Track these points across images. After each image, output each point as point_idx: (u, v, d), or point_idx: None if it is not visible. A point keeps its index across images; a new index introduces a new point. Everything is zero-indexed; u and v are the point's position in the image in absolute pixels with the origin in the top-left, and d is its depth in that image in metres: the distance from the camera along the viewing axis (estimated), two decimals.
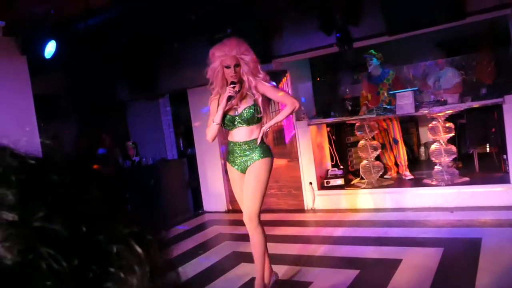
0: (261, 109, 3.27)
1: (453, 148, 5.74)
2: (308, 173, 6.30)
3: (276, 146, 6.53)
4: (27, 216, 0.29)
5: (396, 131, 6.38)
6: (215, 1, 4.77)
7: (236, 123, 3.28)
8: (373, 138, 6.25)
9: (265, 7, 5.18)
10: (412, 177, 6.28)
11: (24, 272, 0.27)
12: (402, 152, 6.38)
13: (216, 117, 3.24)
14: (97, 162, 6.63)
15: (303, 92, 6.70)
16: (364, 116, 6.10)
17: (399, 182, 6.21)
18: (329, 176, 6.39)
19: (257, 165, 3.27)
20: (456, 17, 4.79)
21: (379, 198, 5.84)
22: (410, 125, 7.62)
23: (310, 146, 6.27)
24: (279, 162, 6.52)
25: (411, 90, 5.79)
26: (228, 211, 6.91)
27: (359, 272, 3.73)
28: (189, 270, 4.25)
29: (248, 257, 4.50)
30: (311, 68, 7.03)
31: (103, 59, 5.64)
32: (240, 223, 6.12)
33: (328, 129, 6.70)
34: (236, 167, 3.37)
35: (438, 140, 5.74)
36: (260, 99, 3.25)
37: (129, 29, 5.07)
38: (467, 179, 5.63)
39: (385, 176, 6.42)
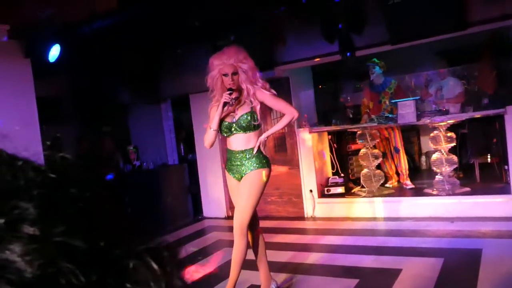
0: (258, 116, 3.27)
1: (454, 157, 5.73)
2: (308, 181, 6.29)
3: (277, 153, 6.53)
4: (48, 230, 0.29)
5: (397, 140, 6.38)
6: (218, 8, 4.79)
7: (233, 130, 3.28)
8: (374, 147, 6.25)
9: (268, 15, 5.21)
10: (412, 186, 6.26)
11: (44, 286, 0.28)
12: (403, 161, 6.37)
13: (213, 123, 3.25)
14: (98, 166, 6.63)
15: (304, 99, 6.71)
16: (365, 125, 6.11)
17: (400, 191, 6.20)
18: (329, 184, 6.38)
19: (252, 176, 3.26)
20: (458, 27, 4.81)
21: (379, 207, 5.83)
22: (411, 134, 7.62)
23: (311, 154, 6.27)
24: (280, 169, 6.52)
25: (413, 99, 5.80)
26: (227, 217, 6.89)
27: (359, 281, 3.71)
28: (188, 276, 4.22)
29: (247, 264, 4.49)
30: (313, 76, 7.05)
31: (106, 63, 5.67)
32: None
33: (330, 137, 6.70)
34: (233, 175, 3.37)
35: (439, 150, 5.74)
36: (258, 107, 3.25)
37: (133, 33, 5.09)
38: (468, 189, 5.62)
39: (386, 185, 6.41)
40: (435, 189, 5.71)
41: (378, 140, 6.26)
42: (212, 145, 3.37)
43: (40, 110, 5.04)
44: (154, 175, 6.90)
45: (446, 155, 5.69)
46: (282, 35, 5.77)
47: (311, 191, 6.24)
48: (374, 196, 5.98)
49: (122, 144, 7.46)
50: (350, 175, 6.80)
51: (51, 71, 5.43)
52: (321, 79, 7.43)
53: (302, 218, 6.27)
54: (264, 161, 3.32)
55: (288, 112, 3.35)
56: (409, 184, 6.31)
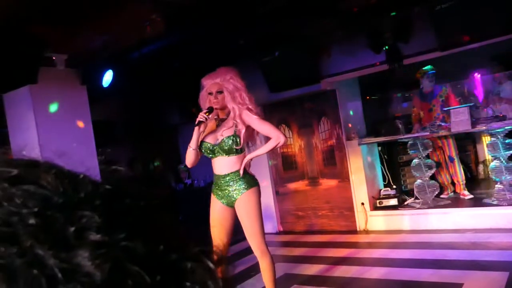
0: (242, 140, 3.19)
1: None
2: (359, 194, 6.17)
3: (327, 166, 6.47)
4: (112, 236, 0.32)
5: (451, 149, 6.16)
6: (263, 25, 4.86)
7: (216, 152, 3.22)
8: (427, 157, 6.05)
9: (312, 28, 5.22)
10: (471, 196, 6.00)
11: (113, 287, 0.30)
12: (459, 171, 6.14)
13: (192, 142, 3.20)
14: (150, 186, 6.82)
15: (352, 111, 6.63)
16: (416, 134, 5.94)
17: (457, 202, 5.95)
18: (381, 196, 6.23)
19: (245, 199, 3.20)
20: (510, 29, 4.61)
21: (435, 219, 5.61)
22: (466, 142, 7.33)
23: (361, 166, 6.16)
24: (329, 182, 6.45)
25: (467, 106, 5.59)
26: (279, 232, 6.87)
27: None
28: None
29: (300, 279, 4.45)
30: (361, 87, 6.96)
31: (156, 86, 5.88)
32: (292, 244, 6.11)
33: (380, 148, 6.56)
34: (221, 200, 3.28)
35: (498, 157, 5.48)
36: (243, 131, 3.19)
37: (180, 56, 5.26)
38: None
39: (441, 196, 6.18)
40: (495, 199, 5.44)
41: (431, 150, 6.06)
42: (193, 164, 3.29)
43: (96, 132, 5.29)
44: (205, 193, 7.00)
45: (505, 163, 5.42)
46: (327, 48, 5.76)
47: (362, 204, 6.12)
48: (429, 207, 5.77)
49: (173, 164, 7.65)
50: (403, 187, 6.61)
51: (105, 95, 5.69)
52: (369, 90, 7.32)
53: (354, 231, 6.14)
54: (251, 180, 3.28)
55: (274, 136, 3.26)
56: (467, 194, 6.05)
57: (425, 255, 4.61)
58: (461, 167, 6.20)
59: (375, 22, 5.13)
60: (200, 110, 3.24)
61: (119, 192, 0.37)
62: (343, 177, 6.31)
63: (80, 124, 5.08)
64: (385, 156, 6.57)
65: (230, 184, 3.22)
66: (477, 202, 5.74)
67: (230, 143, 3.17)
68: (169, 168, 7.57)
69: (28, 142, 4.54)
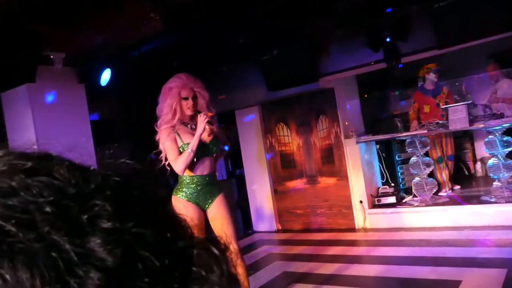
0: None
1: None
2: (358, 192, 6.19)
3: (325, 165, 6.48)
4: (123, 224, 0.34)
5: (453, 147, 6.31)
6: (261, 24, 4.87)
7: (203, 153, 3.22)
8: (426, 154, 6.07)
9: (311, 27, 5.23)
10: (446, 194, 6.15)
11: (125, 271, 0.32)
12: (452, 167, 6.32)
13: (193, 145, 3.10)
14: (150, 185, 6.81)
15: (351, 109, 6.65)
16: (415, 132, 5.95)
17: (455, 200, 5.97)
18: (380, 194, 6.24)
19: (221, 200, 3.26)
20: (509, 27, 4.62)
21: (434, 216, 5.63)
22: (464, 140, 7.35)
23: (359, 164, 6.17)
24: (328, 181, 6.46)
25: (465, 104, 5.60)
26: (278, 231, 6.88)
27: None
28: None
29: (299, 277, 4.46)
30: (359, 85, 6.97)
31: (155, 84, 5.86)
32: (290, 242, 6.12)
33: (378, 146, 6.58)
34: (192, 201, 3.21)
35: (495, 155, 5.50)
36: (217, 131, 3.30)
37: (179, 54, 5.26)
38: None
39: (439, 194, 6.20)
40: (493, 196, 5.45)
41: (428, 148, 6.08)
42: (185, 169, 3.17)
43: (94, 132, 5.28)
44: None
45: (503, 160, 5.44)
46: (326, 46, 5.77)
47: (361, 202, 6.13)
48: (427, 205, 5.79)
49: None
50: (401, 184, 6.63)
51: (103, 94, 5.68)
52: (367, 88, 7.33)
53: (353, 229, 6.16)
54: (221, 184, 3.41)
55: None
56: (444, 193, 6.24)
57: (424, 253, 4.63)
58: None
59: (373, 20, 5.14)
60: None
61: (128, 184, 0.39)
62: (342, 175, 6.32)
63: (79, 123, 5.07)
64: (383, 154, 6.58)
65: (206, 185, 3.22)
66: (475, 199, 5.75)
67: (217, 143, 3.27)
68: (167, 166, 7.56)
69: (26, 141, 4.53)
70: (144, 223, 0.35)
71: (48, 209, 0.32)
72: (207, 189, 3.23)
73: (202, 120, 3.10)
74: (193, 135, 3.16)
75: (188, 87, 3.18)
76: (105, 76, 5.13)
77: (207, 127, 3.11)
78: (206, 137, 3.20)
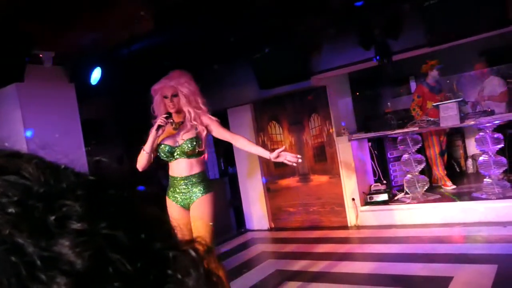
0: (203, 142, 3.22)
1: (503, 159, 5.51)
2: (350, 189, 6.20)
3: (317, 162, 6.49)
4: (93, 225, 0.32)
5: (445, 143, 6.46)
6: (253, 22, 4.85)
7: (175, 154, 3.20)
8: (417, 152, 6.10)
9: (302, 25, 5.22)
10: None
11: (94, 275, 0.31)
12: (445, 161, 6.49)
13: (147, 146, 3.17)
14: (140, 183, 6.79)
15: (343, 107, 6.66)
16: (406, 130, 5.98)
17: (446, 197, 6.00)
18: (372, 191, 6.26)
19: (202, 202, 3.18)
20: (499, 24, 4.65)
21: (425, 213, 5.66)
22: (455, 137, 7.39)
23: (351, 162, 6.19)
24: (320, 178, 6.47)
25: (456, 101, 5.63)
26: (270, 229, 6.89)
27: None
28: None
29: (291, 276, 4.46)
30: (351, 83, 6.99)
31: (146, 83, 5.82)
32: (283, 240, 6.12)
33: (370, 144, 6.60)
34: (179, 203, 3.24)
35: (486, 152, 5.53)
36: (204, 133, 3.21)
37: (170, 53, 5.23)
38: None
39: (447, 188, 6.34)
40: (484, 193, 5.50)
41: (420, 145, 6.11)
42: (144, 168, 3.22)
43: (84, 131, 5.24)
44: None
45: (494, 157, 5.48)
46: (317, 44, 5.77)
47: (353, 199, 6.15)
48: (419, 202, 5.82)
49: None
50: (393, 182, 6.66)
51: (94, 93, 5.63)
52: (359, 86, 7.35)
53: (345, 227, 6.17)
54: (210, 185, 3.27)
55: (239, 136, 3.31)
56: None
57: (416, 249, 4.65)
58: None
59: (365, 18, 5.15)
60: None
61: (103, 183, 0.38)
62: (334, 173, 6.33)
63: (68, 123, 5.03)
64: (375, 152, 6.61)
65: (189, 186, 3.20)
66: (466, 196, 5.80)
67: (193, 144, 3.17)
68: (158, 166, 7.53)
69: (16, 142, 4.48)
70: (117, 224, 0.34)
71: (11, 209, 0.30)
72: (185, 190, 3.21)
73: (156, 122, 3.15)
74: (172, 134, 3.23)
75: (168, 86, 3.21)
76: (95, 75, 5.09)
77: (153, 131, 3.15)
78: (173, 140, 3.21)
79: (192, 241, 0.40)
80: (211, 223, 3.16)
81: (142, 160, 3.21)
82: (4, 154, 0.36)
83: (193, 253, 0.38)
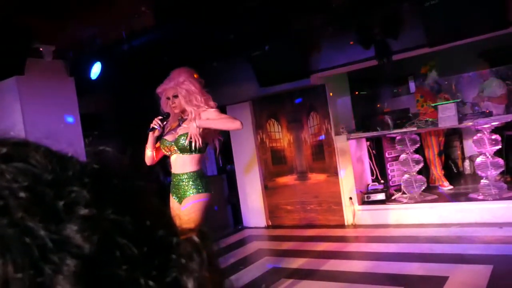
0: (198, 139, 3.15)
1: (500, 161, 5.53)
2: (348, 188, 6.22)
3: (315, 161, 6.50)
4: (100, 211, 0.34)
5: (443, 143, 6.51)
6: (253, 20, 4.85)
7: (172, 150, 3.23)
8: (416, 152, 6.11)
9: (302, 23, 5.22)
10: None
11: (102, 258, 0.32)
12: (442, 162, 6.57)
13: (148, 145, 3.28)
14: (139, 179, 6.78)
15: (341, 106, 6.67)
16: (404, 130, 6.00)
17: (444, 197, 6.03)
18: (369, 191, 6.28)
19: (189, 201, 3.17)
20: (498, 26, 4.66)
21: (422, 213, 5.68)
22: (453, 138, 7.41)
23: (349, 161, 6.20)
24: (318, 177, 6.48)
25: (454, 102, 5.65)
26: (268, 227, 6.90)
27: None
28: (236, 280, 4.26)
29: (288, 273, 4.48)
30: (350, 82, 6.99)
31: (146, 78, 5.83)
32: (280, 238, 6.14)
33: (368, 143, 6.61)
34: (176, 198, 3.26)
35: (483, 153, 5.55)
36: (199, 130, 3.15)
37: (170, 48, 5.23)
38: None
39: (444, 188, 6.38)
40: (481, 194, 5.52)
41: (418, 145, 6.13)
42: (152, 163, 3.34)
43: (84, 126, 5.24)
44: None
45: (491, 158, 5.50)
46: (317, 43, 5.77)
47: (350, 198, 6.17)
48: (416, 202, 5.84)
49: (162, 157, 7.61)
50: (391, 181, 6.68)
51: (93, 88, 5.63)
52: (358, 85, 7.36)
53: (342, 226, 6.19)
54: (204, 185, 3.21)
55: (235, 123, 3.20)
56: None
57: (412, 249, 4.67)
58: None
59: (365, 17, 5.15)
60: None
61: (107, 172, 0.39)
62: (332, 171, 6.34)
63: (68, 116, 5.03)
64: (374, 151, 6.62)
65: (184, 183, 3.21)
66: (463, 197, 5.82)
67: (183, 140, 3.16)
68: (157, 161, 7.53)
69: (15, 134, 4.48)
70: (123, 211, 0.35)
71: (22, 194, 0.31)
72: (179, 186, 3.23)
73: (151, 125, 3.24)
74: (175, 131, 3.28)
75: (169, 87, 3.27)
76: (95, 70, 5.09)
77: (150, 133, 3.24)
78: (172, 135, 3.26)
79: (194, 229, 0.41)
80: (199, 219, 3.11)
81: (146, 157, 3.32)
82: (11, 142, 0.36)
83: (196, 239, 0.39)
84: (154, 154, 3.32)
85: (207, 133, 3.27)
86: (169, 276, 0.35)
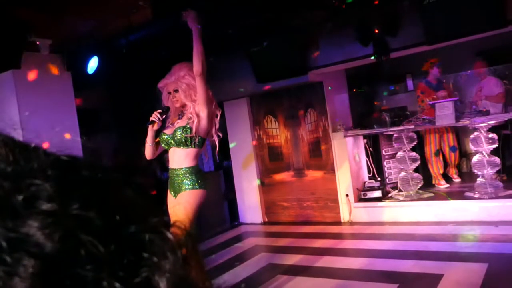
0: (193, 130, 3.13)
1: (497, 159, 5.54)
2: (344, 185, 6.22)
3: (312, 158, 6.50)
4: (64, 205, 0.31)
5: (454, 139, 6.52)
6: (251, 15, 4.83)
7: (170, 144, 3.22)
8: (412, 149, 6.12)
9: (301, 20, 5.21)
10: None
11: (64, 257, 0.29)
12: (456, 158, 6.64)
13: (148, 138, 3.29)
14: (136, 174, 6.77)
15: (339, 103, 6.66)
16: (402, 127, 6.00)
17: (440, 195, 6.04)
18: (366, 188, 6.29)
19: (186, 196, 3.13)
20: (497, 25, 4.66)
21: (418, 211, 5.69)
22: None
23: (346, 158, 6.20)
24: (315, 174, 6.49)
25: (451, 100, 5.65)
26: (264, 223, 6.90)
27: (399, 286, 3.64)
28: (225, 281, 4.27)
29: (284, 269, 4.48)
30: (348, 79, 6.99)
31: (143, 73, 5.81)
32: (277, 234, 6.14)
33: (365, 140, 6.62)
34: (173, 193, 3.24)
35: (480, 152, 5.56)
36: (195, 122, 3.13)
37: (168, 43, 5.20)
38: None
39: (441, 187, 6.36)
40: (477, 192, 5.53)
41: (415, 143, 6.13)
42: (152, 157, 3.37)
43: (80, 121, 5.21)
44: None
45: (488, 157, 5.50)
46: (315, 39, 5.76)
47: (347, 195, 6.17)
48: (412, 200, 5.85)
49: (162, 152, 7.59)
50: (387, 179, 6.68)
51: (90, 83, 5.61)
52: (356, 82, 7.35)
53: (338, 223, 6.20)
54: (200, 181, 3.17)
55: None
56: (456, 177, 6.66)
57: (408, 246, 4.68)
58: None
59: (363, 15, 5.14)
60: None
61: (76, 163, 0.36)
62: (328, 168, 6.35)
63: (65, 111, 5.01)
64: (370, 149, 6.62)
65: (180, 178, 3.19)
66: (459, 195, 5.82)
67: (180, 133, 3.14)
68: (157, 156, 7.52)
69: (10, 128, 4.46)
70: (90, 205, 0.32)
71: None
72: (175, 181, 3.21)
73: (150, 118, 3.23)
74: (174, 126, 3.27)
75: (170, 82, 3.28)
76: (92, 64, 5.06)
77: (150, 126, 3.24)
78: (170, 129, 3.26)
79: (170, 224, 0.38)
80: (189, 219, 3.06)
81: (147, 151, 3.35)
82: None
83: (170, 236, 0.36)
84: (154, 148, 3.32)
85: (204, 127, 3.20)
86: (138, 276, 0.32)
